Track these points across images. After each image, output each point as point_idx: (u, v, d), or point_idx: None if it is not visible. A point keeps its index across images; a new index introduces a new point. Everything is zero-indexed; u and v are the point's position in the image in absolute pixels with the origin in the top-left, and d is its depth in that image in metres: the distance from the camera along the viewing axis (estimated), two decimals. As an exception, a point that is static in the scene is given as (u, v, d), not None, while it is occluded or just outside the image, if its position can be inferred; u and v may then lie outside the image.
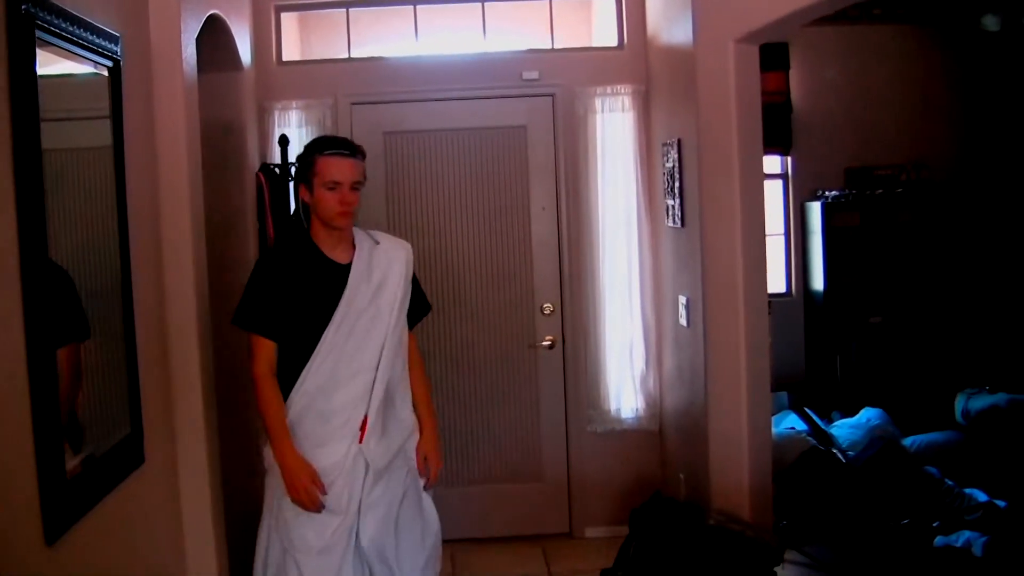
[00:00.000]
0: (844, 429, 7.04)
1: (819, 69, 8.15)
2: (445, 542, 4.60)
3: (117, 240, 3.72)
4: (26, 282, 2.82)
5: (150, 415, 3.97)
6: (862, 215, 7.96)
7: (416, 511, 4.36)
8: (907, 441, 7.02)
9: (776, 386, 7.06)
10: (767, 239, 5.56)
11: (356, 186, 4.07)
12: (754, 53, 5.29)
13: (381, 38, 6.89)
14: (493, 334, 6.70)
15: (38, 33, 2.96)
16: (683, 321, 5.83)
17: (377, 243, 4.27)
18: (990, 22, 7.59)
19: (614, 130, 6.50)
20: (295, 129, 6.33)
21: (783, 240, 8.31)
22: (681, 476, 6.04)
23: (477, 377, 6.71)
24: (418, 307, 4.48)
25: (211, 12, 4.99)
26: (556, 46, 6.75)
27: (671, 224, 5.95)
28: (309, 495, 3.96)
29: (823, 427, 6.98)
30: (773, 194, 8.12)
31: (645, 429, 6.66)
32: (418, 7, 6.70)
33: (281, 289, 4.05)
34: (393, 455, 4.20)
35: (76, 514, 3.16)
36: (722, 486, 5.45)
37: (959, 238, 7.95)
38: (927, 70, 8.21)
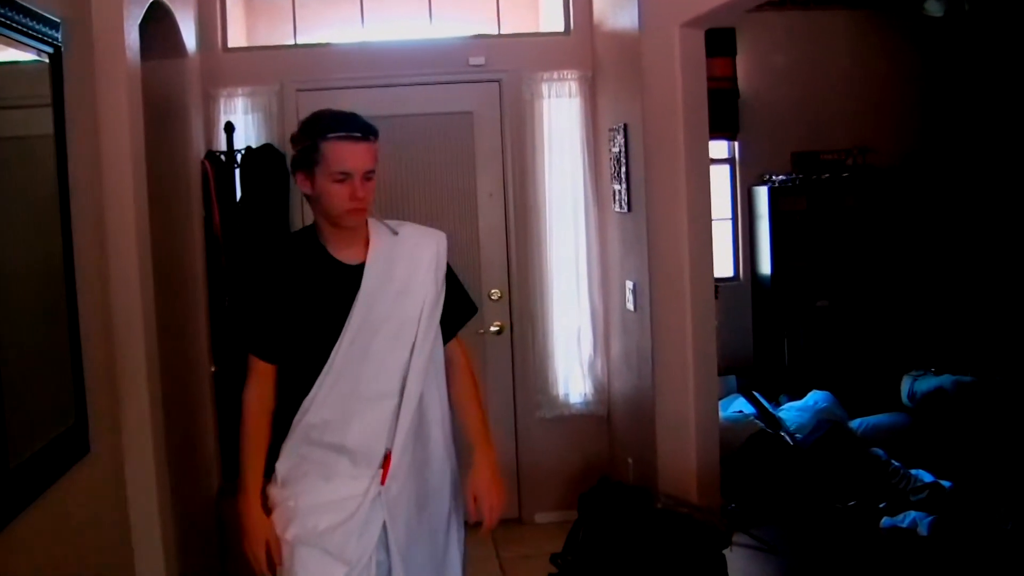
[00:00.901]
0: (792, 412, 7.09)
1: (766, 55, 8.18)
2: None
3: (60, 229, 3.68)
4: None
5: (95, 405, 3.93)
6: (809, 199, 8.01)
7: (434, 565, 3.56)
8: (854, 423, 7.09)
9: (724, 370, 7.12)
10: (714, 224, 5.59)
11: (369, 175, 3.36)
12: (700, 38, 5.31)
13: (328, 24, 6.84)
14: (441, 320, 6.65)
15: (-25, 19, 2.92)
16: (630, 306, 5.85)
17: (396, 234, 3.49)
18: (933, 7, 7.64)
19: (561, 116, 6.50)
20: (241, 116, 6.28)
21: (731, 225, 8.35)
22: (629, 460, 6.06)
23: (426, 363, 6.66)
24: (459, 309, 3.67)
25: (155, -2, 4.95)
26: (503, 31, 6.74)
27: (618, 209, 5.97)
28: (257, 560, 3.34)
29: (771, 410, 7.03)
30: (720, 179, 8.15)
31: (593, 414, 6.68)
32: (365, -7, 6.67)
33: (278, 299, 3.35)
34: (426, 500, 3.48)
35: (19, 505, 3.14)
36: (670, 470, 5.47)
37: (904, 222, 8.02)
38: (873, 56, 8.26)
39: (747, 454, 6.49)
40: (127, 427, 4.34)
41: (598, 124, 6.42)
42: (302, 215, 6.22)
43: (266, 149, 6.08)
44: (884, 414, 7.30)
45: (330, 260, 3.39)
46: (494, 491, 3.53)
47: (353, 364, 3.30)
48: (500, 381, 6.73)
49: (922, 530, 5.82)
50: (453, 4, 6.80)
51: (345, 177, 3.26)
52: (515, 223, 6.57)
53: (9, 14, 3.20)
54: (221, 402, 5.81)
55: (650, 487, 5.51)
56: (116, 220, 4.27)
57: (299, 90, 6.41)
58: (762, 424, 6.78)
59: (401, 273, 3.41)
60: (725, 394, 7.39)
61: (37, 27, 3.44)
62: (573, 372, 6.67)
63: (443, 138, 6.58)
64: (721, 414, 6.35)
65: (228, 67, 6.40)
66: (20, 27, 3.30)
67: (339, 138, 3.28)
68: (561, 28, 6.62)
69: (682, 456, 5.46)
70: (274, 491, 3.40)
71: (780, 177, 8.00)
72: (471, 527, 3.67)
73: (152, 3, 4.85)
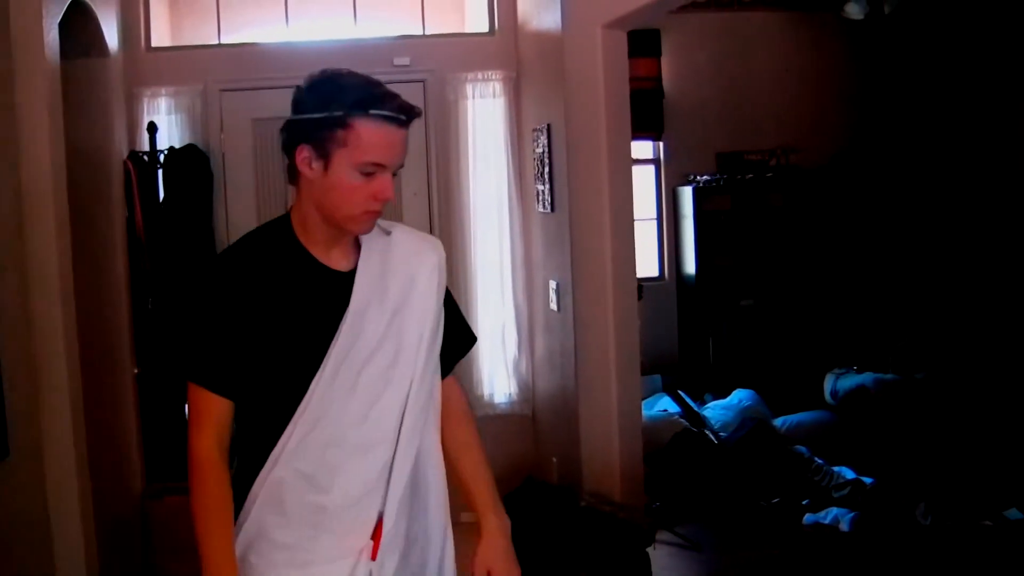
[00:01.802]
0: (716, 410, 7.16)
1: (691, 55, 8.25)
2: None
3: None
4: None
5: (14, 408, 3.88)
6: (733, 199, 8.09)
7: None
8: (778, 421, 7.17)
9: (649, 369, 7.16)
10: (639, 223, 5.63)
11: (397, 172, 2.54)
12: (622, 39, 5.34)
13: (252, 23, 6.80)
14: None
15: None
16: (554, 306, 5.87)
17: (388, 233, 2.67)
18: (854, 10, 7.73)
19: (485, 116, 6.49)
20: (164, 116, 6.20)
21: (655, 224, 8.41)
22: (554, 459, 6.07)
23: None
24: (459, 337, 2.93)
25: (75, -4, 4.89)
26: (428, 32, 6.72)
27: (541, 209, 5.98)
28: None
29: (696, 409, 7.09)
30: (645, 179, 8.21)
31: (518, 413, 6.67)
32: (289, -8, 6.63)
33: (239, 313, 2.45)
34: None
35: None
36: (593, 469, 5.50)
37: (828, 222, 8.12)
38: (798, 57, 8.36)
39: (672, 452, 6.54)
40: (47, 430, 4.27)
41: (522, 124, 6.43)
42: (226, 216, 6.19)
43: (190, 149, 6.02)
44: (807, 412, 7.39)
45: (311, 263, 2.55)
46: (512, 568, 2.82)
47: (337, 401, 2.49)
48: (426, 381, 6.68)
49: (844, 526, 5.92)
50: (378, 4, 6.77)
51: (376, 170, 2.44)
52: (440, 223, 6.55)
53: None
54: (144, 404, 5.77)
55: (574, 486, 5.53)
56: (36, 220, 4.21)
57: (223, 90, 6.34)
58: (686, 423, 6.84)
59: (398, 286, 2.62)
60: (650, 393, 7.43)
61: (-51, 25, 3.40)
62: (498, 372, 6.66)
63: (368, 138, 6.52)
64: (646, 413, 6.40)
65: (151, 66, 6.32)
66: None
67: (383, 119, 2.47)
68: (486, 28, 6.62)
69: (606, 455, 5.48)
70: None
71: (704, 177, 8.07)
72: None
73: (72, 2, 4.80)
